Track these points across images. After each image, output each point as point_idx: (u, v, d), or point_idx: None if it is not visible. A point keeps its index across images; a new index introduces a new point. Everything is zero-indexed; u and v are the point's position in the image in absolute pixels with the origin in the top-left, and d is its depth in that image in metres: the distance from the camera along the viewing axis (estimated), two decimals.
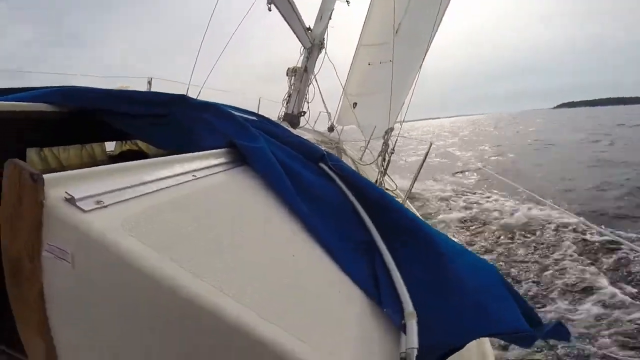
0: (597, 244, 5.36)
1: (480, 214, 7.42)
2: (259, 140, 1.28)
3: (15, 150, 1.70)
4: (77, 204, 0.58)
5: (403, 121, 4.28)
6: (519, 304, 1.02)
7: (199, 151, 1.11)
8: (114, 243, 0.55)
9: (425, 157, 3.83)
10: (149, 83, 3.30)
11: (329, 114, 5.16)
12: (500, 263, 5.02)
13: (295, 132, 4.15)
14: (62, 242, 0.56)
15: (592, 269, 4.72)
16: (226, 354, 0.57)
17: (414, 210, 3.71)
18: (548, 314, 3.84)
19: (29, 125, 1.12)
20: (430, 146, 3.87)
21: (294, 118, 4.42)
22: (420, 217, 1.22)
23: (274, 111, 4.70)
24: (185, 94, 1.47)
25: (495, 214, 7.31)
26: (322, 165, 1.44)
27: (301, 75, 4.56)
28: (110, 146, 2.71)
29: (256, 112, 2.18)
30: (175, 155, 0.97)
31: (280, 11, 3.43)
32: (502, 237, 6.01)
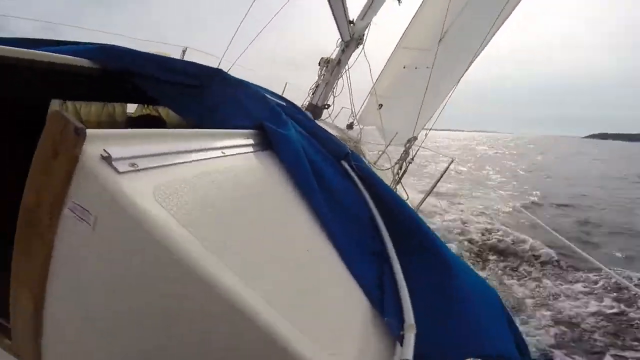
0: None
1: None
2: (289, 127, 1.29)
3: (41, 99, 1.74)
4: (113, 163, 0.57)
5: (430, 129, 4.24)
6: (512, 331, 1.05)
7: (224, 128, 1.12)
8: (142, 211, 0.55)
9: (444, 173, 3.81)
10: (183, 52, 3.34)
11: (353, 111, 5.13)
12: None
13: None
14: (88, 201, 0.55)
15: None
16: (232, 336, 0.57)
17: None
18: None
19: (67, 78, 1.13)
20: (451, 162, 3.84)
21: (317, 109, 4.41)
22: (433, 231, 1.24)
23: (297, 99, 4.71)
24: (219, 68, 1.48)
25: None
26: (345, 164, 1.45)
27: (333, 68, 4.54)
28: (130, 108, 2.76)
29: (282, 95, 2.18)
30: (207, 130, 0.99)
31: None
32: None
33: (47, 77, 1.14)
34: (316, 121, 4.50)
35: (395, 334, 0.83)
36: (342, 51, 4.54)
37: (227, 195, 0.78)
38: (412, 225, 1.20)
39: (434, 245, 1.14)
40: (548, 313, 4.39)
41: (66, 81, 1.24)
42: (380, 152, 4.71)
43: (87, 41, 1.31)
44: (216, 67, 1.44)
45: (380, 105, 6.39)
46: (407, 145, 4.16)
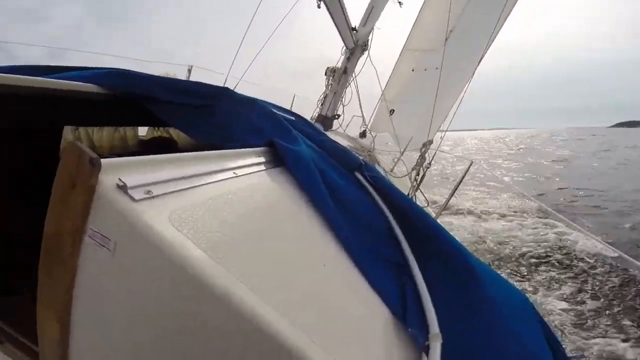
0: None
1: None
2: (299, 142, 1.31)
3: (53, 126, 1.80)
4: (129, 192, 0.60)
5: (446, 130, 4.19)
6: (546, 336, 1.02)
7: (235, 147, 1.14)
8: (160, 235, 0.57)
9: (464, 176, 3.75)
10: (189, 71, 3.43)
11: (364, 119, 5.14)
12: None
13: (328, 134, 4.18)
14: (107, 229, 0.58)
15: None
16: (250, 356, 0.58)
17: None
18: None
19: (77, 104, 1.18)
20: (471, 164, 3.78)
21: (327, 120, 4.44)
22: (456, 238, 1.22)
23: (307, 110, 4.77)
24: (225, 86, 1.52)
25: None
26: (358, 175, 1.45)
27: (340, 77, 4.58)
28: (141, 131, 2.84)
29: (290, 109, 2.22)
30: (218, 151, 1.02)
31: (328, 9, 3.47)
32: None
33: (58, 104, 1.20)
34: (327, 132, 4.56)
35: (420, 345, 0.82)
36: (348, 59, 4.58)
37: (241, 215, 0.80)
38: (430, 232, 1.19)
39: (456, 252, 1.13)
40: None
41: (77, 107, 1.30)
42: (395, 160, 4.68)
43: (94, 65, 1.35)
44: (222, 83, 1.47)
45: (392, 111, 6.39)
46: (423, 149, 4.12)
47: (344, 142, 4.01)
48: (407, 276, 1.04)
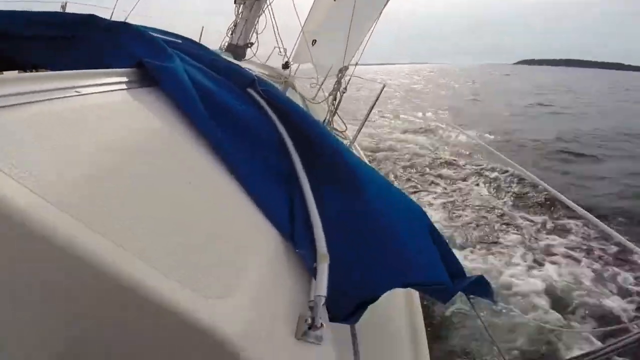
0: None
1: None
2: (174, 59, 1.22)
3: None
4: None
5: (357, 64, 4.35)
6: (443, 254, 1.02)
7: None
8: None
9: (377, 100, 3.98)
10: (63, 8, 3.04)
11: (285, 50, 5.07)
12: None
13: (239, 64, 4.10)
14: None
15: None
16: (106, 302, 0.52)
17: (361, 152, 3.92)
18: None
19: None
20: (383, 88, 4.00)
21: (238, 49, 4.30)
22: (361, 157, 1.21)
23: (217, 42, 4.53)
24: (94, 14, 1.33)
25: None
26: (251, 91, 1.40)
27: (252, 3, 4.41)
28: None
29: (197, 42, 2.07)
30: (59, 72, 0.83)
31: None
32: None
33: None
34: (242, 61, 4.46)
35: (309, 267, 0.80)
36: None
37: (78, 139, 0.66)
38: (324, 143, 1.17)
39: (350, 165, 1.09)
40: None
41: None
42: (312, 85, 4.78)
43: None
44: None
45: (314, 41, 6.35)
46: (339, 75, 4.26)
47: (258, 71, 4.00)
48: (296, 189, 1.00)
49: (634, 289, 4.06)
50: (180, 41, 1.76)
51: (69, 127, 0.66)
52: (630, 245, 1.45)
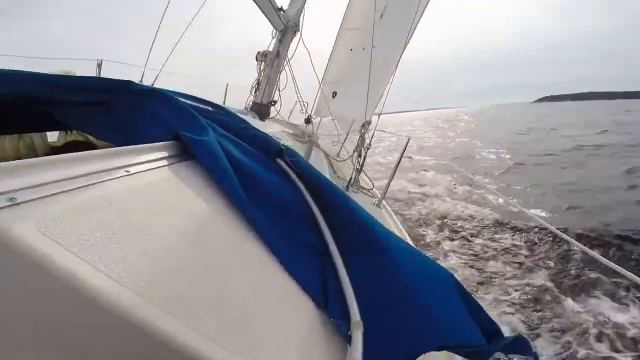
0: None
1: None
2: (207, 132, 1.27)
3: None
4: None
5: (380, 113, 4.37)
6: (477, 315, 1.04)
7: (134, 143, 1.07)
8: (23, 245, 0.54)
9: (402, 154, 3.94)
10: (99, 66, 3.23)
11: (306, 105, 5.18)
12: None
13: (265, 123, 4.19)
14: None
15: None
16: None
17: (389, 209, 3.82)
18: None
19: None
20: (408, 141, 3.97)
21: (262, 108, 4.42)
22: (390, 215, 1.27)
23: (243, 98, 4.68)
24: (130, 79, 1.43)
25: None
26: (280, 161, 1.46)
27: (272, 61, 4.56)
28: (53, 137, 2.69)
29: (223, 100, 2.14)
30: (106, 149, 0.94)
31: None
32: None
33: None
34: (266, 120, 4.55)
35: (344, 335, 0.84)
36: (279, 41, 4.57)
37: (131, 216, 0.75)
38: (351, 214, 1.21)
39: (376, 234, 1.15)
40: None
41: None
42: (334, 143, 4.80)
43: None
44: (140, 77, 1.42)
45: (335, 94, 6.51)
46: (362, 130, 4.28)
47: (281, 130, 4.04)
48: (329, 265, 1.05)
49: None
50: (210, 108, 1.83)
51: (120, 206, 0.75)
52: None
